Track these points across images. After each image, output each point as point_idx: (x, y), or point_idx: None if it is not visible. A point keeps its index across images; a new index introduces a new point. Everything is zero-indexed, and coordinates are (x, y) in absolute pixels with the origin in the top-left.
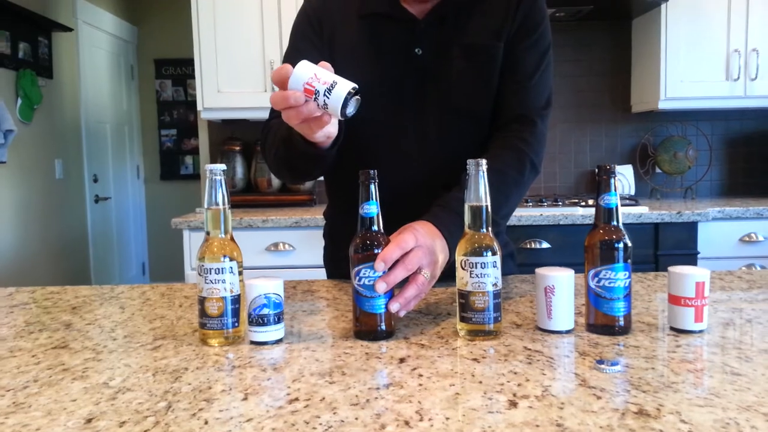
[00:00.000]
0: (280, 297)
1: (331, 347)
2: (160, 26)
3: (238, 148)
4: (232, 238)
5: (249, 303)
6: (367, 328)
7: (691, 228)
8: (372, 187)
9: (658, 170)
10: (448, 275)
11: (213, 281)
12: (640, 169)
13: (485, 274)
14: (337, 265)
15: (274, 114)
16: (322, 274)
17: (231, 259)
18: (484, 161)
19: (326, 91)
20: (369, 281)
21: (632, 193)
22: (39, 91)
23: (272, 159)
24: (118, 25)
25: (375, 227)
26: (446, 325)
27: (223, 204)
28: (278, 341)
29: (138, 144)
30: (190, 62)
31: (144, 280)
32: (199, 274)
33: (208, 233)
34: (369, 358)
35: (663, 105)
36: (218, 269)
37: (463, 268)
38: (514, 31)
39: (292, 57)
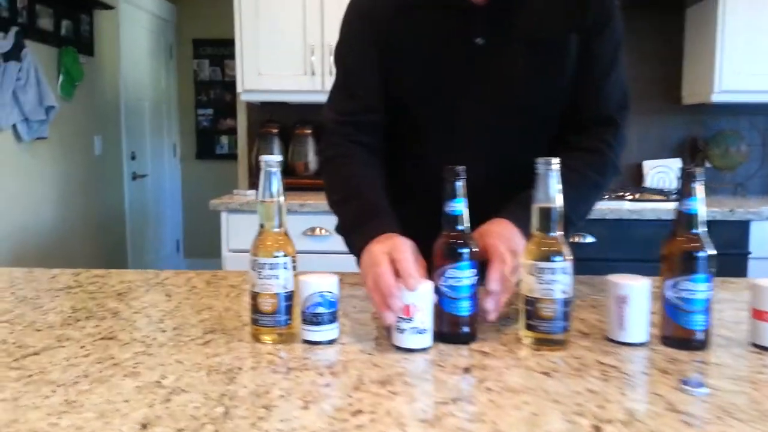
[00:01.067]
0: (335, 295)
1: (387, 350)
2: (199, 6)
3: (275, 130)
4: (286, 233)
5: (303, 300)
6: (450, 330)
7: (742, 227)
8: (458, 184)
9: (707, 165)
10: None
11: (266, 277)
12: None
13: (554, 281)
14: None
15: (335, 112)
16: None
17: (285, 255)
18: (554, 160)
19: (411, 328)
20: (456, 282)
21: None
22: (80, 68)
23: (327, 197)
24: (158, 4)
25: (461, 226)
26: (507, 331)
27: (278, 196)
28: (332, 341)
29: (175, 122)
30: (227, 43)
31: (178, 257)
32: (252, 269)
33: (262, 226)
34: (431, 365)
35: (716, 98)
36: (272, 265)
37: (530, 274)
38: (590, 23)
39: (345, 55)
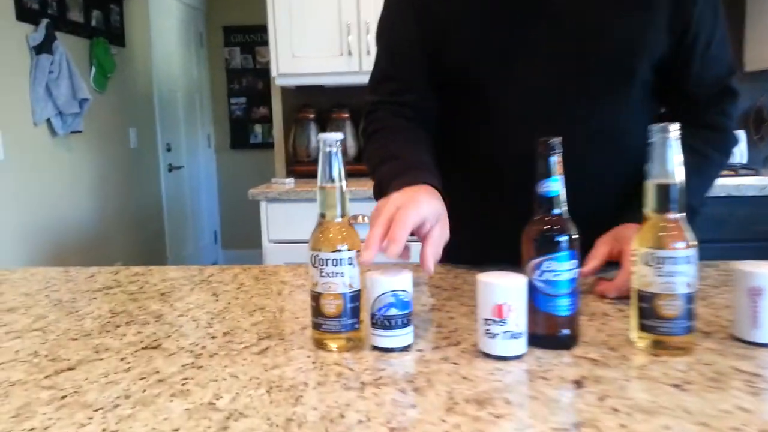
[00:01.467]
0: (409, 294)
1: (475, 358)
2: None
3: (312, 116)
4: (349, 222)
5: (373, 301)
6: (546, 331)
7: None
8: (552, 159)
9: None
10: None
11: (329, 275)
12: (754, 134)
13: (677, 272)
14: None
15: (375, 94)
16: None
17: (350, 249)
18: (672, 126)
19: (504, 333)
20: (554, 276)
21: (745, 161)
22: (112, 59)
23: (367, 167)
24: None
25: (558, 209)
26: (609, 331)
27: (340, 181)
28: (406, 348)
29: (208, 112)
30: (258, 29)
31: (216, 249)
32: (313, 266)
33: (322, 216)
34: (532, 378)
35: None
36: (335, 261)
37: (646, 264)
38: None
39: (384, 32)
